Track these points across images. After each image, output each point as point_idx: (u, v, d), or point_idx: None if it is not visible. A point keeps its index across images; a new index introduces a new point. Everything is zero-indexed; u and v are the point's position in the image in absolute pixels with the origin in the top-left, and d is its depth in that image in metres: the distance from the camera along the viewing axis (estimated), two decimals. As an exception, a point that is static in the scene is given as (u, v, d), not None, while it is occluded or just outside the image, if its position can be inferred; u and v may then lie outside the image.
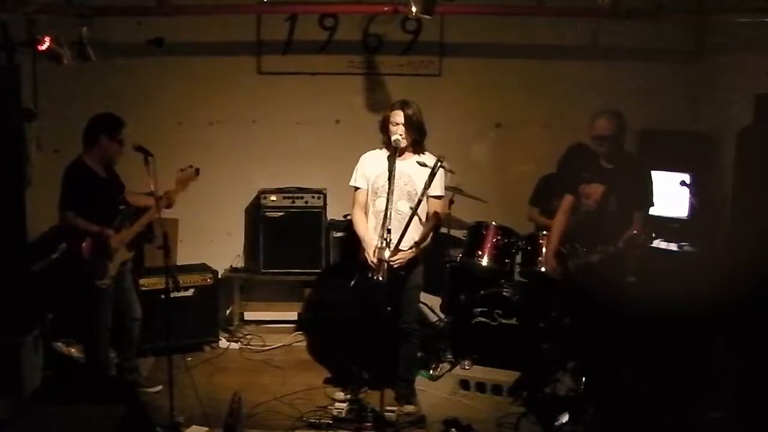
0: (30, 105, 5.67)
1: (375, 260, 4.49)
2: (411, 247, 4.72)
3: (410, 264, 4.78)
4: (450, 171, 4.71)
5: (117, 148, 4.88)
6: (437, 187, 4.78)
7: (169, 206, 5.03)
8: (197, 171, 5.08)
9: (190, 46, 6.34)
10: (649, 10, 5.73)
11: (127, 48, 6.20)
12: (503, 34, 6.47)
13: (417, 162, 4.72)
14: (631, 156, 4.99)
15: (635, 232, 4.57)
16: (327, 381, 5.39)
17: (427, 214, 4.85)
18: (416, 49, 6.56)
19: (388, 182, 4.67)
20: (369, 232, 4.81)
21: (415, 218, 4.61)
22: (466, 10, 5.98)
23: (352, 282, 4.97)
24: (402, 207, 4.77)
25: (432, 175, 4.53)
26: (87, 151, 4.88)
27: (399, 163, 4.71)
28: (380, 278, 4.39)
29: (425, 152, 4.82)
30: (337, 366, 5.48)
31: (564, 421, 4.55)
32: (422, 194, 4.58)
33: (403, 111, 4.70)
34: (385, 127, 4.79)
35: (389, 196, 4.58)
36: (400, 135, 4.69)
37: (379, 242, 4.48)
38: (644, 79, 6.44)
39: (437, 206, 4.89)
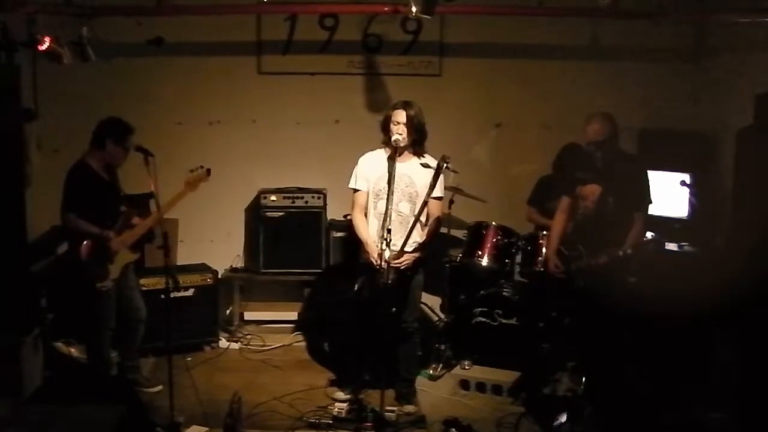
0: (30, 105, 5.67)
1: (383, 263, 4.43)
2: (416, 249, 4.73)
3: (416, 264, 4.79)
4: (454, 171, 4.69)
5: (122, 154, 4.90)
6: (438, 188, 4.77)
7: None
8: (208, 171, 5.01)
9: (190, 46, 6.35)
10: (649, 10, 5.73)
11: (127, 48, 6.20)
12: (503, 34, 6.48)
13: (421, 164, 4.71)
14: (626, 156, 4.99)
15: (645, 238, 4.58)
16: (332, 383, 5.37)
17: (428, 215, 4.85)
18: (416, 49, 6.56)
19: (388, 184, 4.66)
20: (371, 235, 4.80)
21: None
22: (466, 10, 5.97)
23: (356, 286, 4.97)
24: (403, 208, 4.77)
25: (437, 175, 4.52)
26: (91, 152, 4.88)
27: (399, 164, 4.70)
28: (387, 280, 4.38)
29: (425, 154, 4.81)
30: (337, 366, 5.47)
31: (562, 421, 4.55)
32: (427, 195, 4.56)
33: (406, 111, 4.69)
34: (386, 126, 4.77)
35: (390, 197, 4.57)
36: (401, 135, 4.67)
37: (380, 243, 4.47)
38: (644, 79, 6.44)
39: (437, 207, 4.88)
